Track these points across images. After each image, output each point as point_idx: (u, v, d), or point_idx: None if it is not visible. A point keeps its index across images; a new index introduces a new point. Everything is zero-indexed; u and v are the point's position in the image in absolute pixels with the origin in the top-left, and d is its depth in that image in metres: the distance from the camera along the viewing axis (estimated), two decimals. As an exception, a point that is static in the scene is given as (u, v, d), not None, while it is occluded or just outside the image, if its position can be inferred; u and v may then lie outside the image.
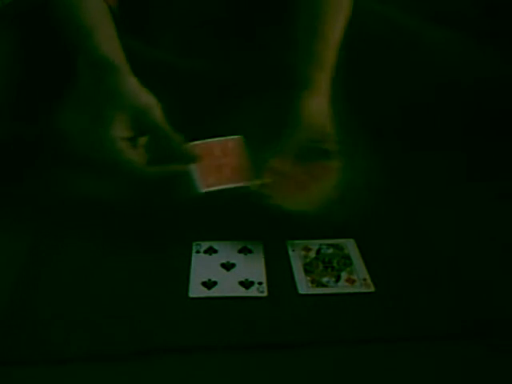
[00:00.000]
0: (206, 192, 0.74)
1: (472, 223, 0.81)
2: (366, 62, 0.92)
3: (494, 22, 1.00)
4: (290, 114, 0.76)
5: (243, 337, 0.62)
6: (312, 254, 0.74)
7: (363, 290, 0.69)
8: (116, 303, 0.66)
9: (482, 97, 0.94)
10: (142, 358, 0.60)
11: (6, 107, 0.86)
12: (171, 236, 0.77)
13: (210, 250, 0.75)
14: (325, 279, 0.70)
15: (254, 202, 0.72)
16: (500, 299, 0.67)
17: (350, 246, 0.75)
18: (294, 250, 0.75)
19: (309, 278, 0.70)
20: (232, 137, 0.79)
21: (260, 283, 0.69)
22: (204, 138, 0.79)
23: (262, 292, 0.68)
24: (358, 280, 0.70)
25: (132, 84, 0.74)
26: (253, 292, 0.68)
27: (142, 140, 0.73)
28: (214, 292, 0.68)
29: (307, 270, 0.71)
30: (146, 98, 0.73)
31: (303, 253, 0.74)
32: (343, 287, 0.69)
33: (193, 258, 0.73)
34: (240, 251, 0.75)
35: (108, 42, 0.77)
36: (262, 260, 0.73)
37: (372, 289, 0.69)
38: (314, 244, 0.76)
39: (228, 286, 0.69)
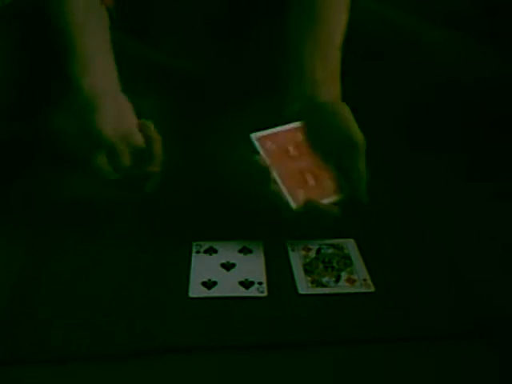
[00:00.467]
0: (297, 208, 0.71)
1: (472, 223, 0.81)
2: (366, 62, 0.92)
3: (494, 22, 1.00)
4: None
5: (243, 337, 0.62)
6: (312, 254, 0.74)
7: (363, 289, 0.69)
8: (116, 303, 0.66)
9: (482, 97, 0.94)
10: (142, 358, 0.60)
11: (4, 107, 0.86)
12: (171, 236, 0.77)
13: (210, 250, 0.75)
14: (325, 279, 0.70)
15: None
16: (500, 299, 0.67)
17: (350, 246, 0.75)
18: (293, 250, 0.75)
19: (309, 278, 0.70)
20: (295, 124, 0.77)
21: (260, 283, 0.69)
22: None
23: (262, 292, 0.68)
24: (357, 280, 0.70)
25: (111, 115, 0.74)
26: (253, 292, 0.68)
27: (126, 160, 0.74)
28: (214, 292, 0.68)
29: (307, 270, 0.71)
30: (128, 123, 0.74)
31: (303, 253, 0.74)
32: (343, 287, 0.69)
33: (193, 258, 0.73)
34: (240, 251, 0.75)
35: (88, 73, 0.76)
36: (262, 260, 0.73)
37: (372, 289, 0.69)
38: (314, 244, 0.76)
39: (228, 286, 0.69)
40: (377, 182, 0.79)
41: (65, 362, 0.60)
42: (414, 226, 0.80)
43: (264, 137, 0.74)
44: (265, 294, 0.68)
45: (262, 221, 0.77)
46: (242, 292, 0.68)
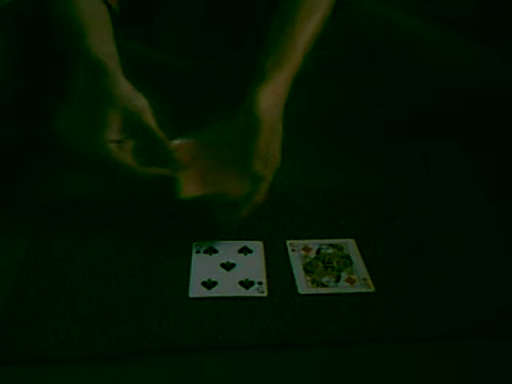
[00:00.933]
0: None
1: (472, 223, 0.81)
2: (365, 62, 0.92)
3: (494, 22, 1.00)
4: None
5: (243, 337, 0.62)
6: (312, 254, 0.74)
7: (363, 289, 0.69)
8: (116, 303, 0.66)
9: (482, 97, 0.94)
10: (142, 358, 0.60)
11: (4, 107, 0.86)
12: (171, 236, 0.77)
13: (210, 250, 0.75)
14: (325, 279, 0.70)
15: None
16: (500, 299, 0.67)
17: (350, 246, 0.75)
18: (294, 250, 0.75)
19: (309, 278, 0.70)
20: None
21: (260, 283, 0.69)
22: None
23: (262, 292, 0.68)
24: (358, 280, 0.70)
25: (124, 87, 0.73)
26: (253, 292, 0.68)
27: (129, 143, 0.73)
28: (214, 292, 0.68)
29: (307, 270, 0.71)
30: (139, 101, 0.73)
31: (303, 253, 0.74)
32: (343, 287, 0.69)
33: (193, 258, 0.73)
34: (240, 251, 0.75)
35: (101, 45, 0.76)
36: (262, 260, 0.73)
37: (372, 289, 0.69)
38: (314, 244, 0.76)
39: (228, 286, 0.69)
40: (375, 183, 0.79)
41: (65, 362, 0.60)
42: (414, 225, 0.80)
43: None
44: (265, 294, 0.68)
45: (262, 221, 0.77)
46: (242, 292, 0.68)
